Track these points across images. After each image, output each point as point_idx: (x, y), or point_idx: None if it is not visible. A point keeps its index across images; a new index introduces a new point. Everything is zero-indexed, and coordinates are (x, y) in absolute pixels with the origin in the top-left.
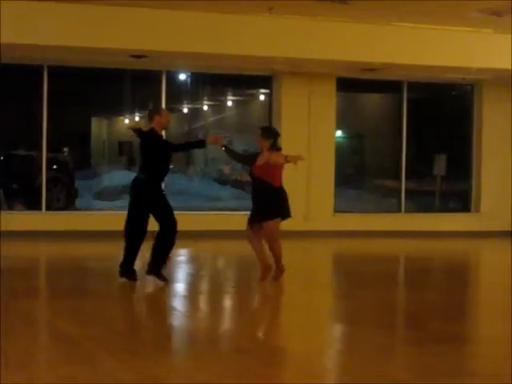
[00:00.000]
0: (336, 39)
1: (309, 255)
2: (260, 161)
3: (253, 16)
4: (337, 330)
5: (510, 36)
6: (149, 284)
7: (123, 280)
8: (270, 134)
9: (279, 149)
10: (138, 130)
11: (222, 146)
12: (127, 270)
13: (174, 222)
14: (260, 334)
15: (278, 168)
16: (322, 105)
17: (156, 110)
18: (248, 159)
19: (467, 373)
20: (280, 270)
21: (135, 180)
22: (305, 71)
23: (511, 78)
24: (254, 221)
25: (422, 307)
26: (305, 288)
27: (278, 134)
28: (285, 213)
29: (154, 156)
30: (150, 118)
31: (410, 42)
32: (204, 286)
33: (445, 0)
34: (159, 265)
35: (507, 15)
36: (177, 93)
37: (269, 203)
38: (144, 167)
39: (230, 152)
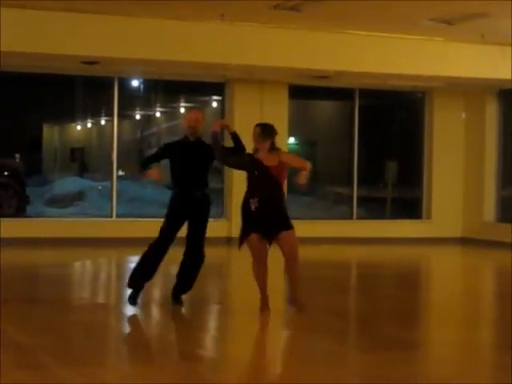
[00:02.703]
0: (288, 46)
1: None
2: (270, 161)
3: (205, 23)
4: (288, 337)
5: (460, 44)
6: (100, 292)
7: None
8: (271, 133)
9: (278, 149)
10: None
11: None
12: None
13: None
14: (210, 341)
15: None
16: (275, 112)
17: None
18: (241, 160)
19: (420, 378)
20: (299, 300)
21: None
22: (257, 78)
23: (462, 85)
24: (265, 235)
25: (373, 313)
26: (255, 293)
27: (276, 132)
28: None
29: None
30: None
31: (362, 50)
32: (156, 294)
33: (396, 8)
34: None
35: (458, 24)
36: (129, 99)
37: (284, 210)
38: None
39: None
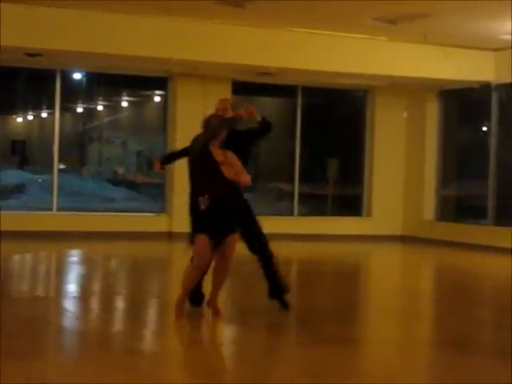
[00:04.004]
0: (232, 42)
1: None
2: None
3: (149, 17)
4: (228, 332)
5: (403, 44)
6: (39, 285)
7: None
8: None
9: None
10: None
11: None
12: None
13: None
14: (150, 335)
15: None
16: None
17: None
18: None
19: (356, 373)
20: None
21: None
22: (200, 73)
23: (404, 85)
24: (216, 235)
25: (313, 310)
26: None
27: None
28: None
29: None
30: None
31: (306, 47)
32: (96, 288)
33: (341, 7)
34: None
35: (401, 23)
36: (71, 92)
37: (231, 209)
38: None
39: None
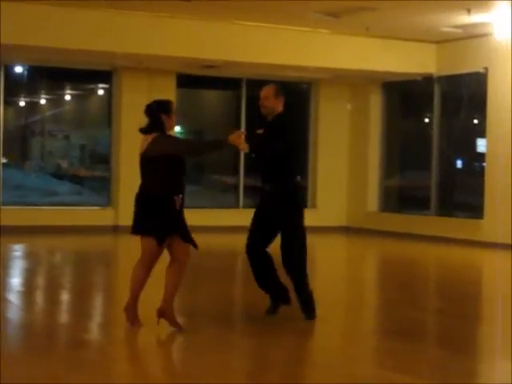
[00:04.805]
0: (177, 36)
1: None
2: None
3: (93, 10)
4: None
5: (345, 37)
6: None
7: None
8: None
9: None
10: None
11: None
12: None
13: None
14: (98, 327)
15: None
16: None
17: None
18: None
19: (306, 363)
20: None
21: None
22: (145, 67)
23: (347, 77)
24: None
25: (259, 301)
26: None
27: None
28: None
29: None
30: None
31: (250, 40)
32: (40, 281)
33: (284, 0)
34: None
35: (344, 16)
36: (14, 86)
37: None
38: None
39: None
